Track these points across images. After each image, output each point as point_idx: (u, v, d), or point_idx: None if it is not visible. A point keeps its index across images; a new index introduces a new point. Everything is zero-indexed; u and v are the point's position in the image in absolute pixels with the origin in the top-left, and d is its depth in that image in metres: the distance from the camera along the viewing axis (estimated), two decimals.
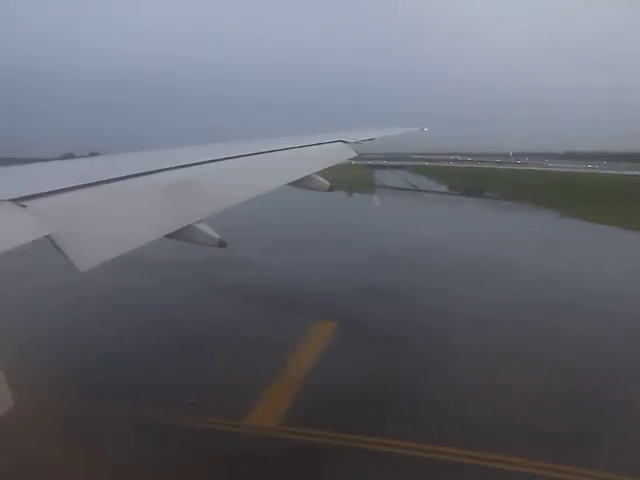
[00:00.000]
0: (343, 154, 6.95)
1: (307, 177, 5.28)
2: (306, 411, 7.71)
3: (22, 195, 2.54)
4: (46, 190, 2.68)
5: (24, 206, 2.47)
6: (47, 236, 2.37)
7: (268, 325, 11.24)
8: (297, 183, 5.20)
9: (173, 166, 3.84)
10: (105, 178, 3.15)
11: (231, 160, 4.57)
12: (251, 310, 12.43)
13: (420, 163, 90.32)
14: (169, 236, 3.19)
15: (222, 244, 3.36)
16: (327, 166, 5.96)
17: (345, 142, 7.14)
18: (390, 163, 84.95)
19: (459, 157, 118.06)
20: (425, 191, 46.42)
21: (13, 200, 2.47)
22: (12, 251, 2.16)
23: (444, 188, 48.50)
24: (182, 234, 3.25)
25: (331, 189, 5.45)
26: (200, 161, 4.19)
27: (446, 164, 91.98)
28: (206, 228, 3.39)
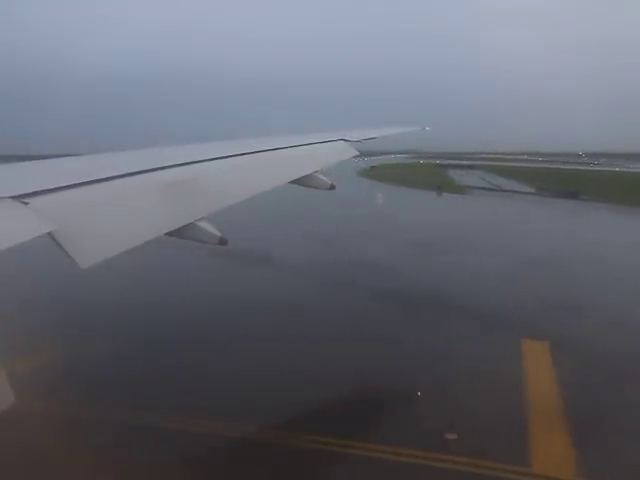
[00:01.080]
0: (344, 153, 6.95)
1: (309, 175, 5.28)
2: (598, 457, 6.34)
3: (24, 192, 2.54)
4: (48, 188, 2.68)
5: (26, 203, 2.47)
6: (48, 233, 2.38)
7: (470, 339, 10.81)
8: (299, 181, 5.20)
9: (175, 164, 3.84)
10: (106, 176, 3.15)
11: (233, 158, 4.57)
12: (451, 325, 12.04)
13: (488, 163, 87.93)
14: (170, 234, 3.20)
15: (223, 242, 3.36)
16: (328, 165, 5.97)
17: (346, 141, 7.15)
18: (461, 163, 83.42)
19: (527, 157, 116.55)
20: (513, 192, 44.64)
21: (15, 197, 2.48)
22: (14, 248, 2.17)
23: (530, 189, 46.69)
24: (183, 232, 3.26)
25: (332, 188, 5.45)
26: (202, 159, 4.19)
27: (516, 164, 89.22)
28: (207, 226, 3.40)
